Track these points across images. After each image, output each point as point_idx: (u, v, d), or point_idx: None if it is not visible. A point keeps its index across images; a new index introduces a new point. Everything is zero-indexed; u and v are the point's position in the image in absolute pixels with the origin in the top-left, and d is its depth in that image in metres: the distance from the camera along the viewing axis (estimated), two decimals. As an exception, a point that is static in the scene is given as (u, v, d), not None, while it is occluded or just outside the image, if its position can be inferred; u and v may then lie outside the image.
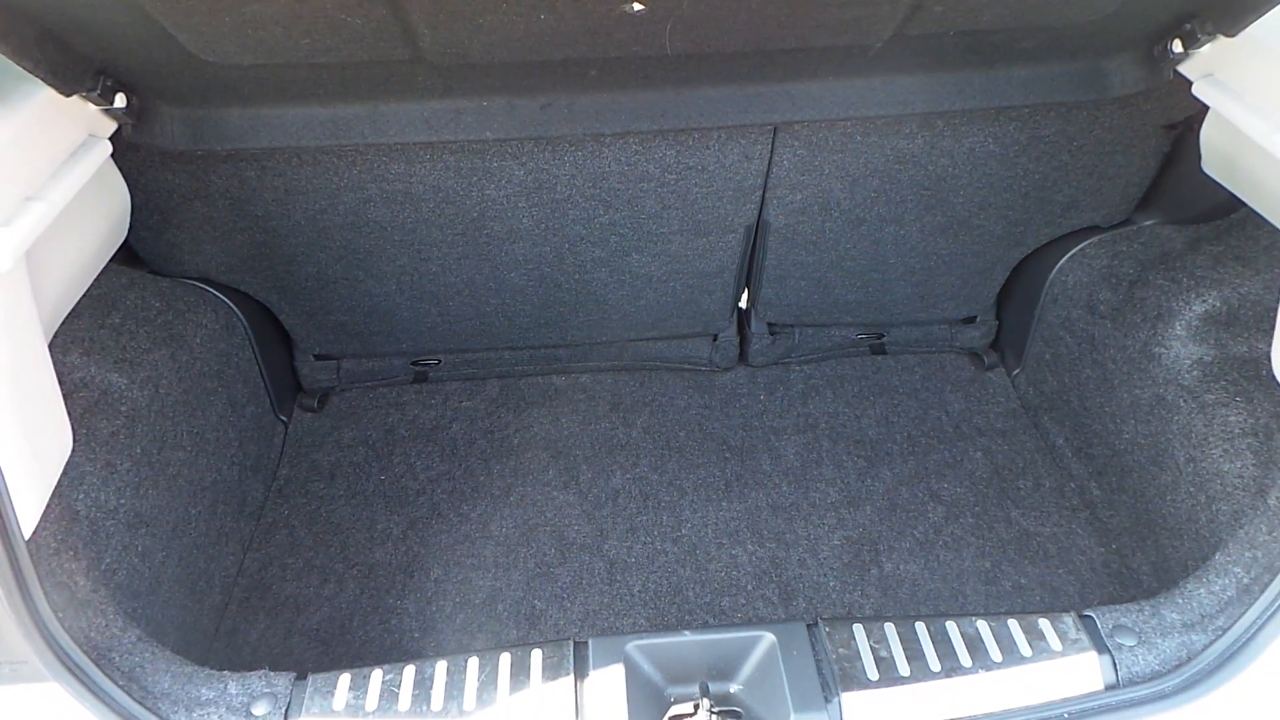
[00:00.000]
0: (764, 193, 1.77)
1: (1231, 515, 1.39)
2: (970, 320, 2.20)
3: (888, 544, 1.78)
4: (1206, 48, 1.38)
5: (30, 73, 1.15)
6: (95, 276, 1.54)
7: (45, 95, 1.20)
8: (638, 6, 1.12)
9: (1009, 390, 2.14)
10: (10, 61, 1.11)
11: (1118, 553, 1.72)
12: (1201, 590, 1.25)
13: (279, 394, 2.05)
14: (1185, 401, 1.56)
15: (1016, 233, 1.93)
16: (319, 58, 1.28)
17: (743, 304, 2.17)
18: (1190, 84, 1.43)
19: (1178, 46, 1.40)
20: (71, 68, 1.22)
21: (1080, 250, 1.93)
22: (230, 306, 1.87)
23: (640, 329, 2.11)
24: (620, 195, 1.72)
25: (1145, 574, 1.64)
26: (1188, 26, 1.37)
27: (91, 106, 1.31)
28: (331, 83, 1.41)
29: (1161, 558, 1.59)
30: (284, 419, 2.07)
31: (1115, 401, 1.75)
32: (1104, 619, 1.22)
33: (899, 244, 1.92)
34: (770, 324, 2.17)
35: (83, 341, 1.50)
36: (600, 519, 1.85)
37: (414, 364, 2.16)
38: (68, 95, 1.23)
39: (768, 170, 1.71)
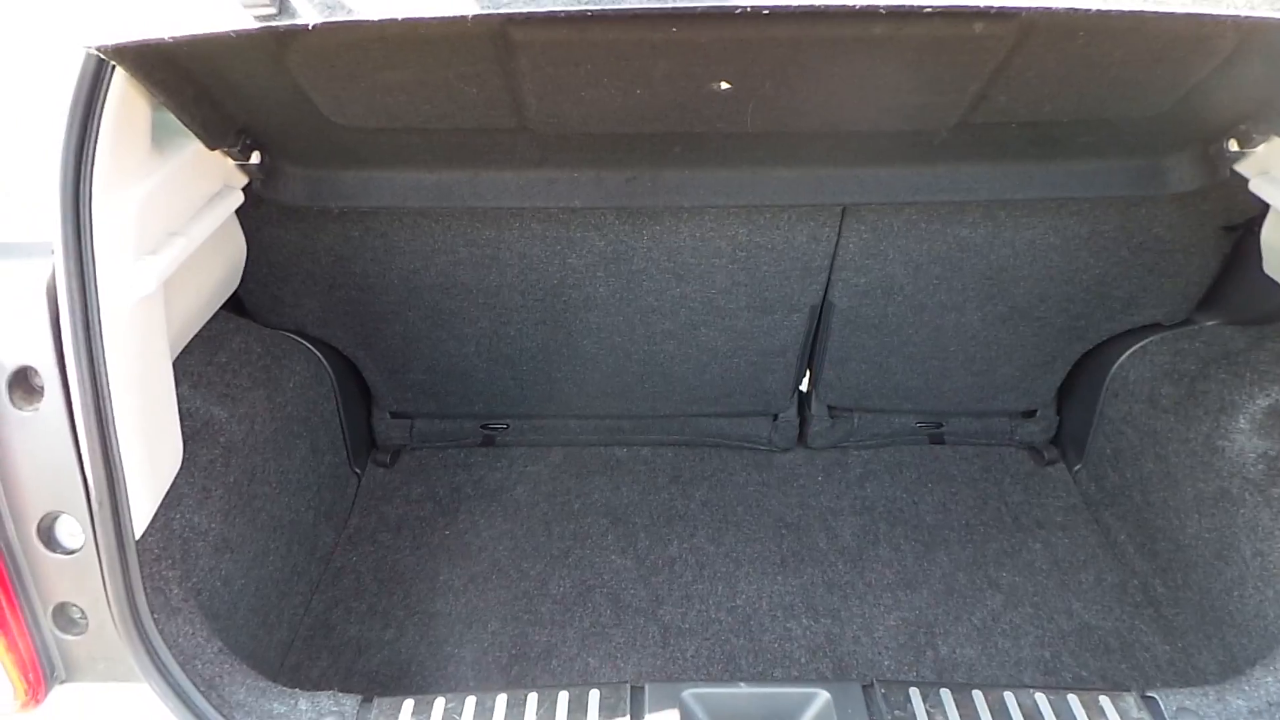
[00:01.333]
0: (829, 274, 1.86)
1: None
2: (1030, 414, 2.21)
3: (944, 628, 1.77)
4: (1262, 148, 1.45)
5: (186, 126, 1.31)
6: (208, 319, 1.68)
7: (194, 147, 1.36)
8: (724, 85, 1.24)
9: (1069, 485, 2.14)
10: (170, 115, 1.27)
11: (1183, 650, 1.68)
12: (1269, 678, 1.23)
13: (355, 447, 2.15)
14: (1251, 495, 1.56)
15: (1078, 326, 1.97)
16: (435, 124, 1.42)
17: (804, 387, 2.23)
18: (1247, 181, 1.49)
19: (1233, 145, 1.47)
20: (219, 125, 1.38)
21: (1142, 347, 1.96)
22: (320, 359, 1.99)
23: (703, 404, 2.17)
24: (693, 269, 1.82)
25: (1212, 672, 1.60)
26: (1243, 127, 1.44)
27: (230, 161, 1.47)
28: (439, 149, 1.56)
29: (1229, 655, 1.56)
30: (358, 471, 2.16)
31: (1179, 495, 1.74)
32: (1168, 701, 1.21)
33: (959, 331, 1.98)
34: (830, 407, 2.21)
35: (192, 375, 1.63)
36: (656, 584, 1.88)
37: (483, 428, 2.25)
38: (212, 149, 1.39)
39: (834, 252, 1.80)
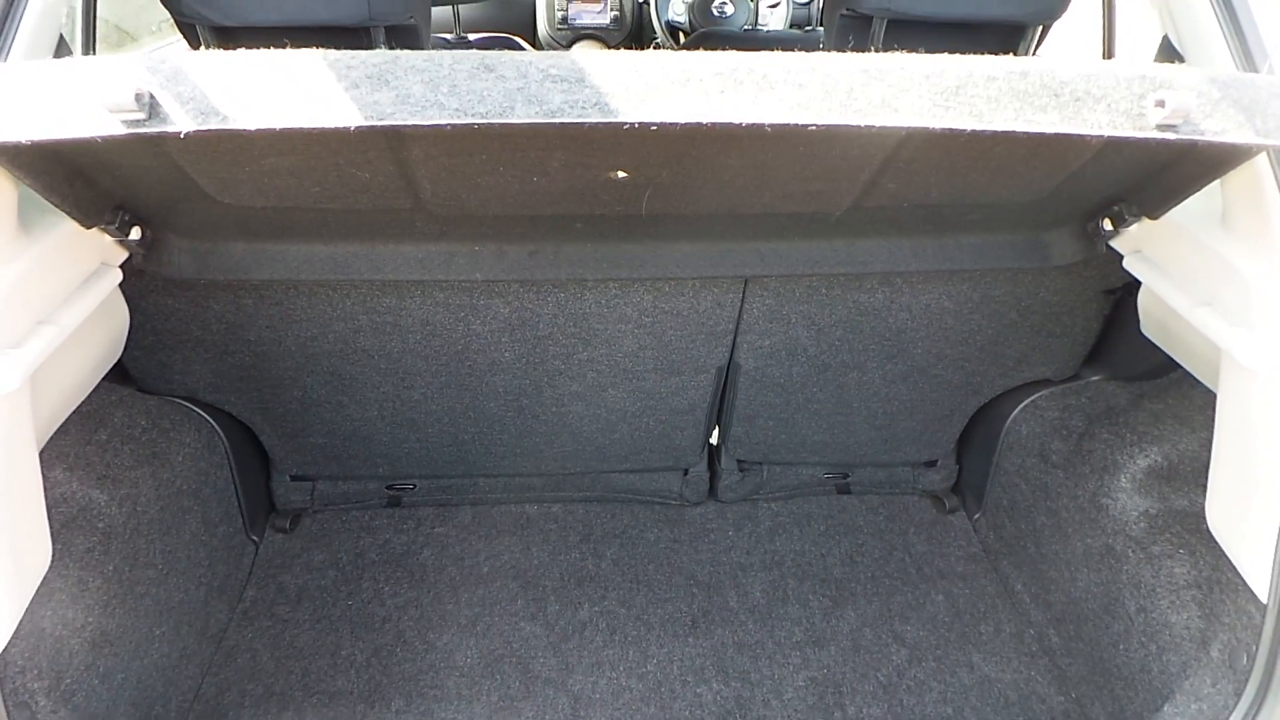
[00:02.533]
0: (735, 337, 1.87)
1: (1180, 666, 1.43)
2: (932, 464, 2.28)
3: (851, 686, 1.79)
4: (1134, 227, 1.52)
5: (57, 207, 1.24)
6: (87, 394, 1.59)
7: (67, 226, 1.29)
8: (621, 175, 1.24)
9: (970, 533, 2.20)
10: (37, 195, 1.20)
11: (1077, 701, 1.74)
12: None
13: (252, 514, 2.06)
14: (1134, 552, 1.63)
15: (973, 383, 2.04)
16: (326, 204, 1.38)
17: (713, 440, 2.24)
18: (1122, 258, 1.57)
19: (1108, 225, 1.54)
20: (95, 204, 1.31)
21: (1032, 401, 2.04)
22: (213, 425, 1.91)
23: (614, 461, 2.16)
24: (599, 335, 1.81)
25: None
26: (1116, 208, 1.52)
27: (107, 237, 1.39)
28: (334, 223, 1.52)
29: (1118, 708, 1.62)
30: (255, 539, 2.08)
31: (1069, 549, 1.81)
32: None
33: (862, 389, 2.02)
34: (740, 461, 2.23)
35: (67, 457, 1.53)
36: (566, 651, 1.85)
37: (389, 488, 2.19)
38: (88, 228, 1.32)
39: (738, 317, 1.82)
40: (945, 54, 0.97)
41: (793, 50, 2.26)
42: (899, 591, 2.02)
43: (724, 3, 3.65)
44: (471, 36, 2.48)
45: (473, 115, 0.90)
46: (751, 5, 3.68)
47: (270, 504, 2.16)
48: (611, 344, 1.84)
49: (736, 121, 0.91)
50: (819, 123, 0.93)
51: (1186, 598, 1.50)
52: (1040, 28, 1.78)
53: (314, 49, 0.93)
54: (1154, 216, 1.44)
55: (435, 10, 3.08)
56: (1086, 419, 1.91)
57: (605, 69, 0.92)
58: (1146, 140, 0.96)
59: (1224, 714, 1.25)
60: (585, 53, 0.93)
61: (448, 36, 2.45)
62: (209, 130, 0.88)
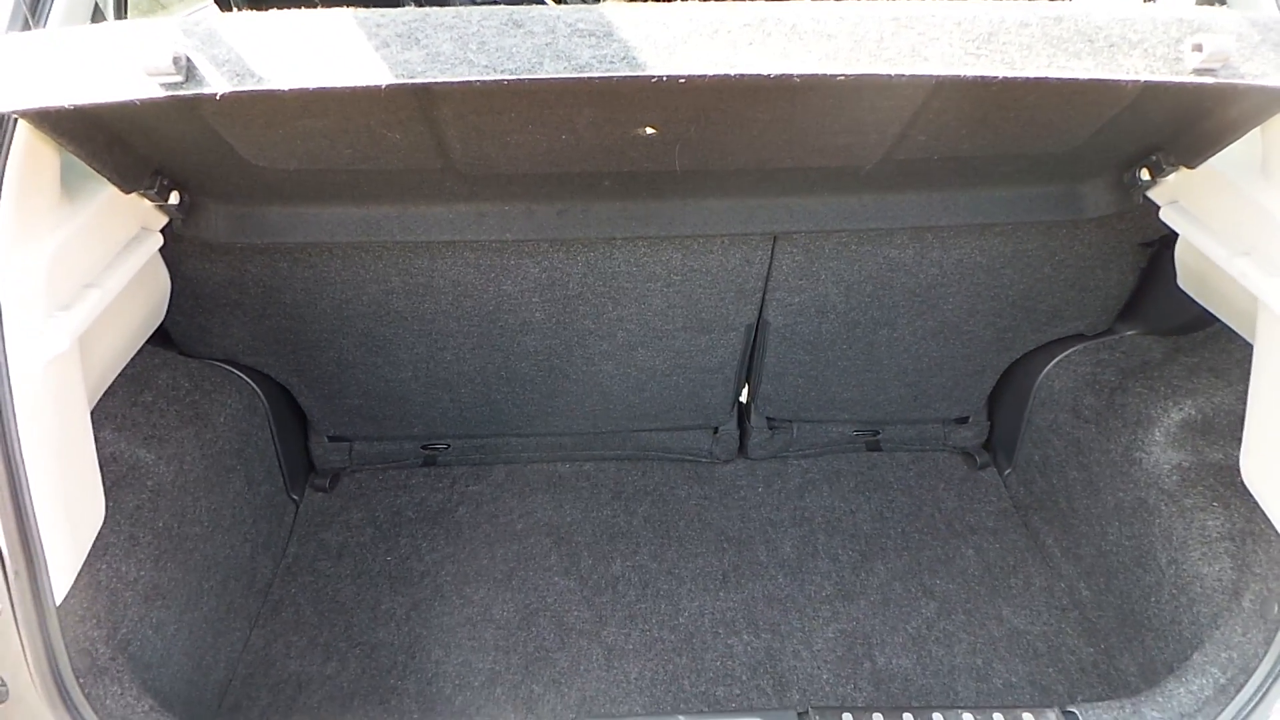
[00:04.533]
0: (764, 295, 1.87)
1: (1211, 617, 1.43)
2: (963, 420, 2.27)
3: (880, 638, 1.81)
4: (1172, 177, 1.50)
5: (98, 173, 1.27)
6: (131, 357, 1.63)
7: (108, 192, 1.32)
8: (650, 131, 1.25)
9: (1000, 489, 2.20)
10: (80, 161, 1.23)
11: (1106, 653, 1.75)
12: (1181, 689, 1.29)
13: (292, 473, 2.11)
14: (1166, 505, 1.62)
15: (1005, 338, 2.03)
16: (358, 165, 1.40)
17: (743, 399, 2.25)
18: (1159, 209, 1.54)
19: (1145, 175, 1.52)
20: (134, 169, 1.34)
21: (1065, 357, 2.02)
22: (253, 387, 1.95)
23: (644, 420, 2.18)
24: (629, 293, 1.82)
25: (1132, 674, 1.67)
26: (1154, 158, 1.49)
27: (147, 202, 1.42)
28: (366, 185, 1.54)
29: (1147, 658, 1.63)
30: (295, 498, 2.13)
31: (1100, 504, 1.81)
32: (1086, 715, 1.26)
33: (892, 346, 2.02)
34: (769, 419, 2.24)
35: (115, 418, 1.58)
36: (600, 605, 1.89)
37: (424, 448, 2.23)
38: (128, 193, 1.35)
39: (768, 274, 1.82)
40: None
41: None
42: (928, 546, 2.04)
43: None
44: None
45: (502, 71, 0.90)
46: None
47: (309, 464, 2.21)
48: (641, 302, 1.85)
49: (765, 73, 0.91)
50: (848, 72, 0.92)
51: (1219, 549, 1.50)
52: None
53: (344, 8, 0.94)
54: (1192, 166, 1.41)
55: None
56: (1120, 373, 1.90)
57: (633, 22, 0.92)
58: (1184, 85, 0.95)
59: (1254, 662, 1.25)
60: (613, 6, 0.93)
61: None
62: (244, 91, 0.90)
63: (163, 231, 1.50)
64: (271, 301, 1.79)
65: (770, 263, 1.80)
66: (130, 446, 1.57)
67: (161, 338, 1.85)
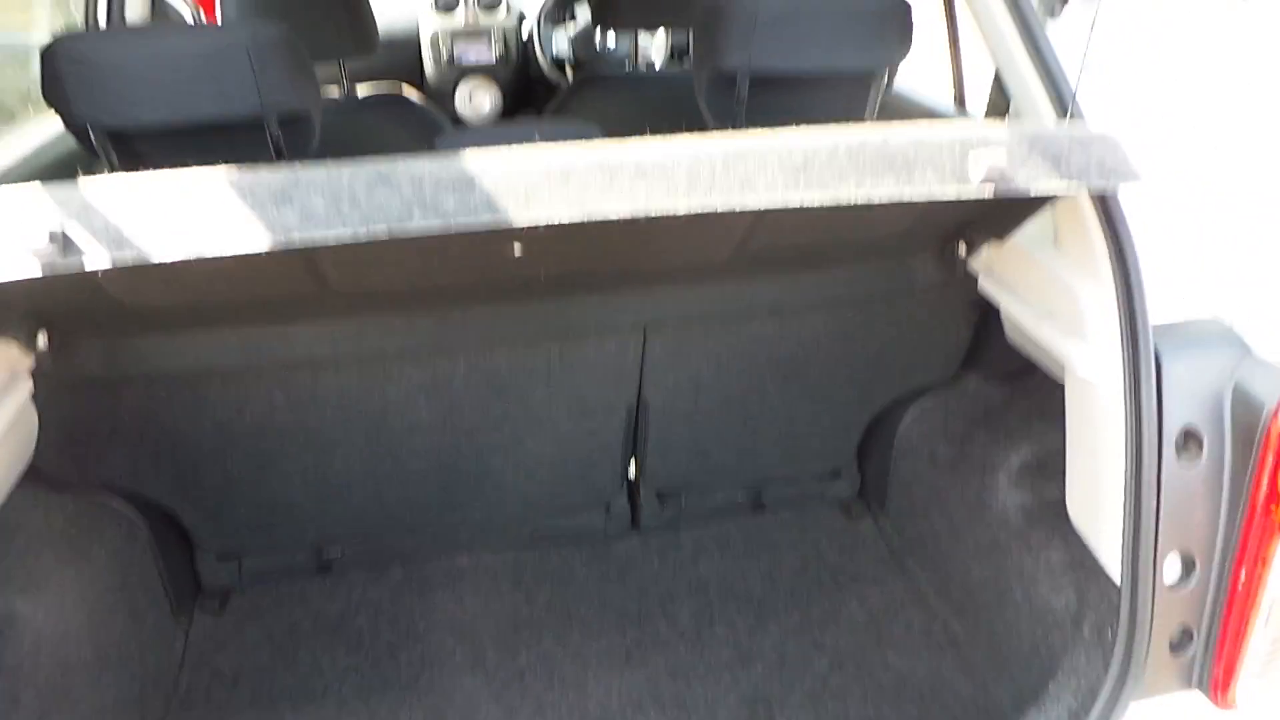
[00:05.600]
0: (641, 377, 1.98)
1: (1062, 645, 1.59)
2: (836, 474, 2.42)
3: (780, 699, 1.90)
4: (985, 250, 1.70)
5: None
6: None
7: (-30, 344, 1.30)
8: (518, 252, 1.34)
9: (877, 537, 2.35)
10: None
11: (982, 687, 1.90)
12: (1040, 717, 1.43)
13: (179, 598, 2.05)
14: (1015, 543, 1.79)
15: (865, 395, 2.20)
16: (234, 295, 1.43)
17: (632, 474, 2.34)
18: (978, 277, 1.74)
19: (963, 249, 1.71)
20: None
21: (919, 407, 2.21)
22: (132, 515, 1.90)
23: (538, 505, 2.24)
24: (511, 388, 1.89)
25: (1007, 706, 1.81)
26: (967, 235, 1.69)
27: (15, 348, 1.41)
28: (243, 309, 1.56)
29: (1016, 689, 1.78)
30: (184, 624, 2.07)
31: (962, 545, 1.97)
32: None
33: (764, 413, 2.15)
34: (658, 491, 2.34)
35: None
36: (508, 699, 1.91)
37: (318, 556, 2.21)
38: None
39: (642, 359, 1.93)
40: (795, 123, 1.09)
41: (673, 89, 2.39)
42: (816, 601, 2.15)
43: (606, 36, 3.77)
44: (360, 90, 2.53)
45: (374, 225, 0.97)
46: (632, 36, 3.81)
47: (197, 585, 2.15)
48: (524, 395, 1.92)
49: (615, 214, 1.02)
50: (688, 207, 1.04)
51: (1063, 581, 1.67)
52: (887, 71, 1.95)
53: (216, 168, 0.99)
54: (1000, 238, 1.61)
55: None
56: (967, 422, 2.09)
57: (492, 173, 1.01)
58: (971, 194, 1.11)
59: (1099, 685, 1.40)
60: (473, 156, 1.02)
61: (334, 94, 2.50)
62: (123, 262, 0.94)
63: (30, 372, 1.48)
64: (149, 427, 1.76)
65: (644, 349, 1.91)
66: (5, 600, 1.51)
67: (30, 473, 1.79)
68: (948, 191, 1.09)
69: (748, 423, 2.17)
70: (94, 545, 1.75)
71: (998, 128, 1.15)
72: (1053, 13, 1.43)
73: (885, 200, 1.07)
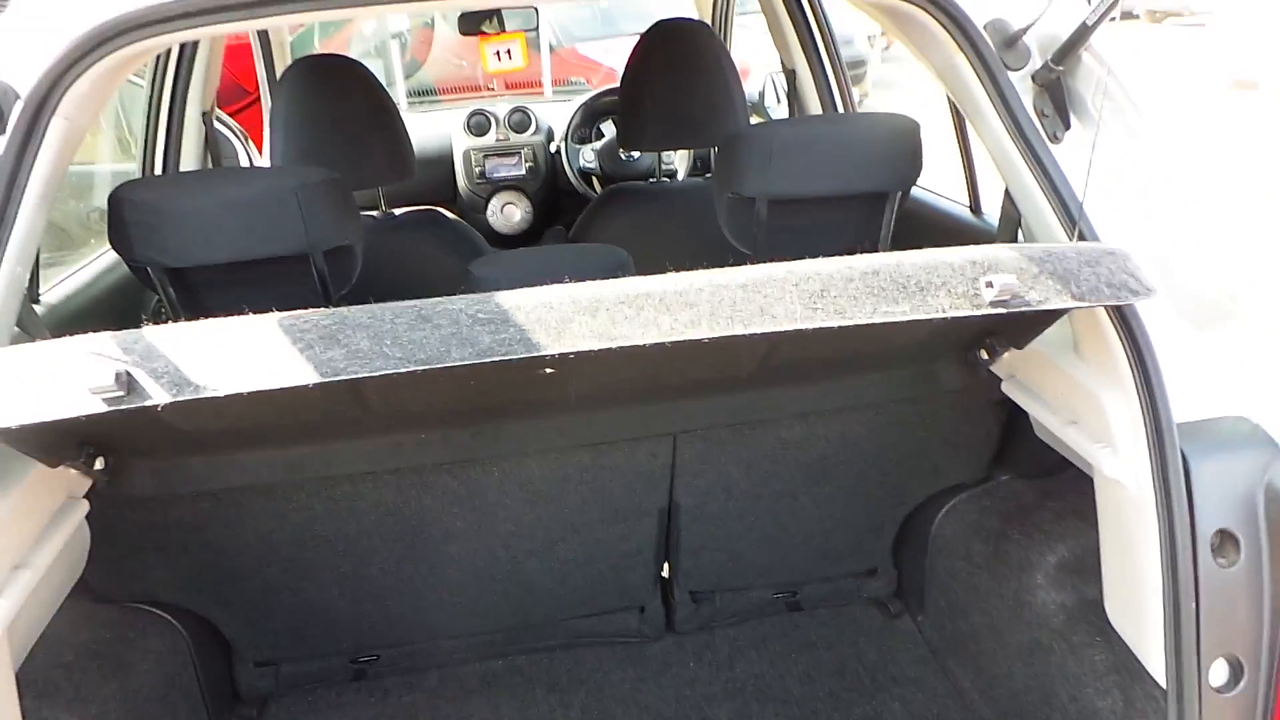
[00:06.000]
0: (671, 482, 2.01)
1: None
2: (873, 572, 2.41)
3: None
4: (1007, 355, 1.72)
5: (22, 453, 1.33)
6: (52, 616, 1.63)
7: (35, 469, 1.38)
8: (549, 370, 1.39)
9: (917, 637, 2.32)
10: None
11: None
12: None
13: (217, 707, 2.07)
14: (1058, 644, 1.77)
15: (896, 495, 2.20)
16: (280, 419, 1.50)
17: (665, 574, 2.34)
18: (1001, 381, 1.76)
19: (984, 354, 1.74)
20: (60, 444, 1.40)
21: (953, 506, 2.20)
22: (175, 625, 1.94)
23: (572, 608, 2.25)
24: (544, 495, 1.93)
25: None
26: (988, 341, 1.72)
27: (73, 471, 1.48)
28: (286, 430, 1.63)
29: None
30: None
31: (1004, 645, 1.94)
32: None
33: (796, 513, 2.16)
34: (692, 592, 2.33)
35: (37, 684, 1.57)
36: None
37: (353, 662, 2.23)
38: (54, 467, 1.40)
39: (672, 464, 1.96)
40: (812, 241, 1.14)
41: (695, 200, 2.45)
42: (856, 704, 2.12)
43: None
44: (397, 212, 2.66)
45: (415, 362, 1.03)
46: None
47: (235, 693, 2.17)
48: (557, 502, 1.95)
49: (640, 343, 1.07)
50: (710, 335, 1.09)
51: (1109, 683, 1.64)
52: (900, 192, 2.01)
53: (270, 314, 1.07)
54: (1020, 346, 1.64)
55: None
56: (1001, 519, 2.08)
57: (525, 308, 1.07)
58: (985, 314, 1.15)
59: None
60: (507, 295, 1.08)
61: (375, 214, 2.62)
62: (183, 400, 1.00)
63: (86, 495, 1.54)
64: (193, 540, 1.82)
65: (673, 454, 1.94)
66: (52, 712, 1.55)
67: (78, 587, 1.84)
68: (960, 312, 1.14)
69: (780, 523, 2.18)
70: (137, 657, 1.79)
71: (1007, 249, 1.20)
72: (1055, 138, 1.49)
73: (902, 319, 1.12)
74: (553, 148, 4.12)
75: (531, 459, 1.86)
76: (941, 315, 1.13)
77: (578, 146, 4.04)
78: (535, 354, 1.05)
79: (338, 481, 1.79)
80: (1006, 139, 1.50)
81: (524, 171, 4.08)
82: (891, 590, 2.43)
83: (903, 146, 1.76)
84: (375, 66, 5.55)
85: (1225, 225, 1.56)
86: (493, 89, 5.51)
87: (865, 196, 1.79)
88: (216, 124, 3.19)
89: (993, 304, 1.15)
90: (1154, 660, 1.42)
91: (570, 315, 1.07)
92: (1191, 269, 1.49)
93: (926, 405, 1.98)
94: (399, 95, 5.30)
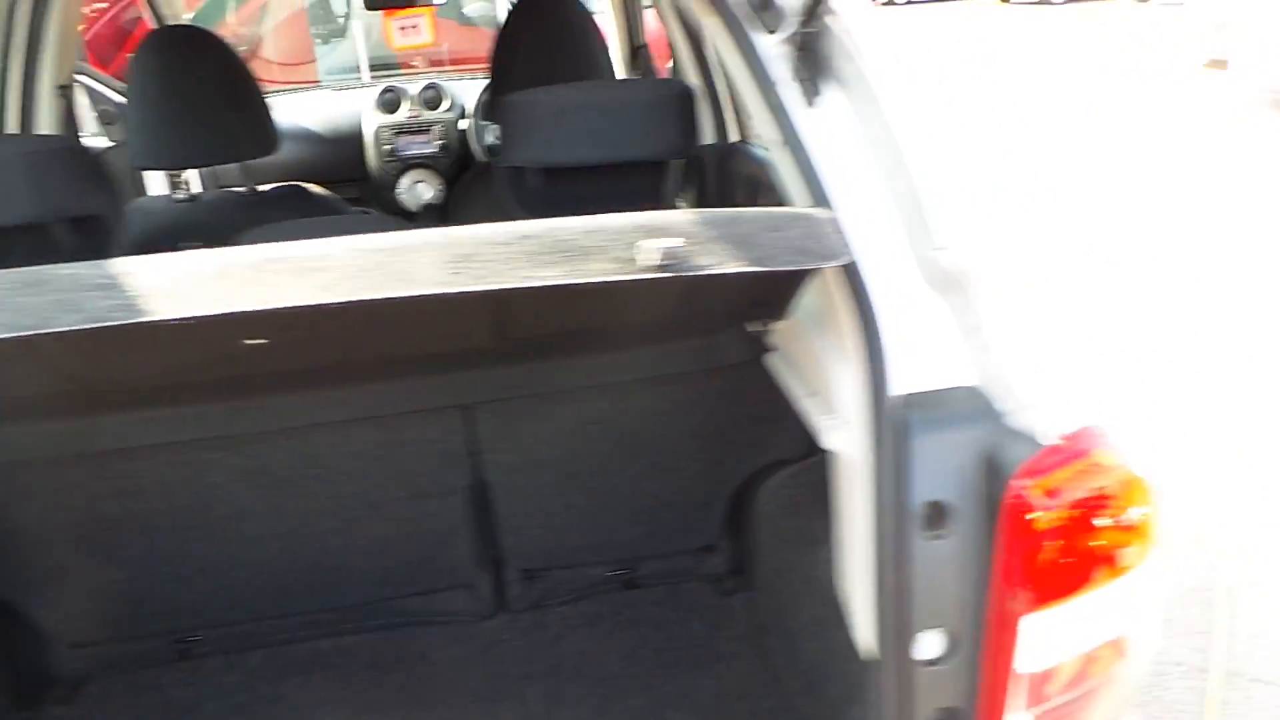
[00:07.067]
0: (473, 458, 1.99)
1: None
2: (708, 549, 2.39)
3: None
4: (778, 327, 1.70)
5: None
6: None
7: None
8: (260, 340, 1.37)
9: (745, 614, 2.31)
10: None
11: None
12: None
13: (30, 688, 2.06)
14: (834, 617, 1.75)
15: (718, 471, 2.18)
16: (24, 390, 1.47)
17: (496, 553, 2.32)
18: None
19: (757, 327, 1.72)
20: None
21: (774, 482, 2.18)
22: None
23: (394, 587, 2.23)
24: (337, 471, 1.91)
25: None
26: (757, 312, 1.70)
27: None
28: (44, 401, 1.61)
29: None
30: (31, 714, 2.07)
31: (800, 621, 1.93)
32: None
33: (615, 490, 2.14)
34: (525, 570, 2.32)
35: None
36: None
37: (177, 643, 2.21)
38: None
39: (469, 439, 1.94)
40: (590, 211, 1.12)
41: None
42: (671, 681, 2.11)
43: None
44: (262, 189, 2.62)
45: (20, 329, 1.01)
46: None
47: (49, 675, 2.15)
48: (351, 478, 1.93)
49: (267, 307, 1.04)
50: (345, 299, 1.06)
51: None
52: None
53: None
54: (776, 318, 1.62)
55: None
56: (812, 495, 2.05)
57: (144, 272, 1.04)
58: (644, 280, 1.12)
59: None
60: (129, 260, 1.06)
61: (240, 190, 2.59)
62: None
63: None
64: None
65: (468, 429, 1.92)
66: None
67: None
68: (621, 276, 1.11)
69: (601, 501, 2.16)
70: None
71: (684, 213, 1.17)
72: (811, 103, 1.46)
73: (555, 283, 1.09)
74: (462, 125, 4.08)
75: (316, 433, 1.84)
76: (600, 280, 1.11)
77: (484, 123, 4.00)
78: (149, 319, 1.02)
79: (110, 459, 1.76)
80: (759, 102, 1.46)
81: (435, 149, 4.03)
82: (728, 568, 2.41)
83: (676, 113, 1.73)
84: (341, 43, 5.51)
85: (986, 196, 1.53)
86: (452, 65, 5.43)
87: (644, 165, 1.76)
88: (84, 98, 3.14)
89: (654, 269, 1.12)
90: (866, 633, 1.40)
91: (193, 280, 1.04)
92: (932, 237, 1.46)
93: (729, 380, 1.96)
94: (363, 70, 5.34)
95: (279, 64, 5.44)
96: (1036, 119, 11.27)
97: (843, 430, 1.40)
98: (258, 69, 3.10)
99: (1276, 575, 3.32)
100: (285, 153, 3.50)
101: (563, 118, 1.66)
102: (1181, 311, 5.54)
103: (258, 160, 2.23)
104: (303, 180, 3.04)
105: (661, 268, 1.13)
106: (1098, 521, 1.30)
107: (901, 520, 1.31)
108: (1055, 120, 11.18)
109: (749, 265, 1.16)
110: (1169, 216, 7.37)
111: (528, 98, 1.66)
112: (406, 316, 1.43)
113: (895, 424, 1.32)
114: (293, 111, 3.88)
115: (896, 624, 1.32)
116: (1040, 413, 1.32)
